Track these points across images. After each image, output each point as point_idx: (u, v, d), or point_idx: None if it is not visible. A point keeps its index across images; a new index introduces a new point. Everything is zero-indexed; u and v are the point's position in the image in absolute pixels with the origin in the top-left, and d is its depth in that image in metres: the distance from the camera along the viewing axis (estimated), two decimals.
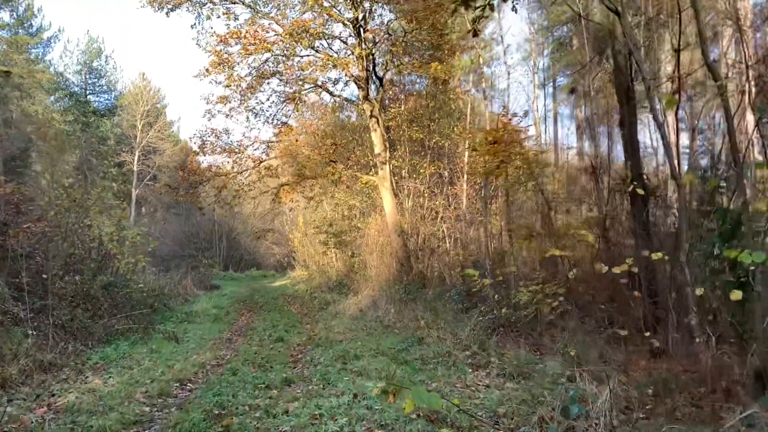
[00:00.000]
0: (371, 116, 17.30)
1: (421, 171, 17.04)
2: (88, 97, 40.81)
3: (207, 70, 15.90)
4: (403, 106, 19.46)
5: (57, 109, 38.36)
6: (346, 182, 20.25)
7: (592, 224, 10.71)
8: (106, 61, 41.72)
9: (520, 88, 28.02)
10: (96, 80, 41.26)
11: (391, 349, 8.97)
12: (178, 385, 7.18)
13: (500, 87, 23.10)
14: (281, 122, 18.66)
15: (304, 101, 19.87)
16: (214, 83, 16.67)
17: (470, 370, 7.35)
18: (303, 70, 14.79)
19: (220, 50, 15.51)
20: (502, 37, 18.52)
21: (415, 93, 21.37)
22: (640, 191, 8.99)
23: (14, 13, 34.45)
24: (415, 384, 6.67)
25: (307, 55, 15.33)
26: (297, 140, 18.14)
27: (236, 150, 17.22)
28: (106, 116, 41.70)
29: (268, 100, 18.30)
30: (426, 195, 17.13)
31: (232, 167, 17.39)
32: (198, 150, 17.04)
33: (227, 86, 16.00)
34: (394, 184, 17.73)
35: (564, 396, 4.93)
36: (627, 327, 7.21)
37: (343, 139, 18.74)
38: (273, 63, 17.29)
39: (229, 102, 17.03)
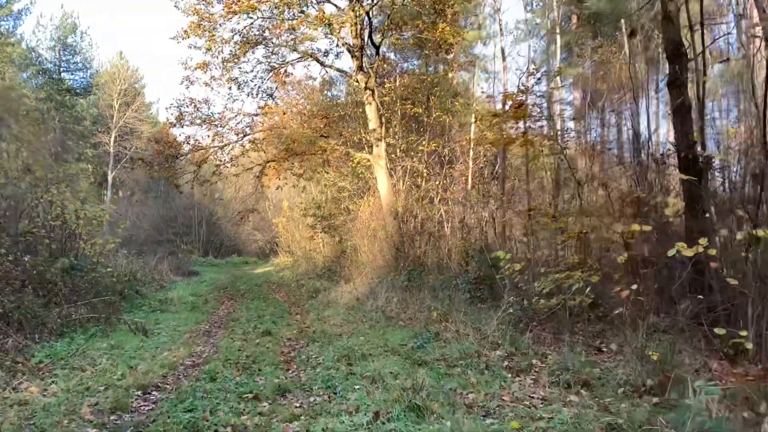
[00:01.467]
0: (366, 88, 15.59)
1: (420, 149, 15.42)
2: (62, 74, 38.39)
3: (185, 32, 14.08)
4: (398, 81, 17.85)
5: (29, 86, 35.96)
6: (336, 162, 18.59)
7: (627, 202, 9.24)
8: (81, 38, 39.27)
9: (514, 70, 26.29)
10: (70, 57, 38.76)
11: (403, 345, 7.38)
12: (139, 394, 5.50)
13: (495, 69, 21.49)
14: (267, 94, 16.91)
15: (290, 76, 18.11)
16: (193, 48, 14.88)
17: (510, 376, 5.78)
18: (294, 29, 13.00)
19: (201, 9, 13.68)
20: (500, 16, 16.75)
21: (409, 71, 19.75)
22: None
23: None
24: (445, 394, 5.10)
25: (300, 14, 13.50)
26: (284, 113, 16.38)
27: (217, 122, 15.42)
28: (82, 95, 39.35)
29: (252, 71, 16.56)
30: (425, 175, 15.54)
31: (213, 140, 15.59)
32: (175, 121, 15.18)
33: (208, 49, 14.20)
34: (389, 164, 16.10)
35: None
36: (707, 322, 5.70)
37: (334, 113, 17.01)
38: (258, 30, 15.54)
39: (210, 69, 15.24)
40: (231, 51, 15.47)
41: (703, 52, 7.69)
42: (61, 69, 38.38)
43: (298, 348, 7.95)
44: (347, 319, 9.82)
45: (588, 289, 7.41)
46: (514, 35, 24.32)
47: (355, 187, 18.46)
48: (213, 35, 13.79)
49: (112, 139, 38.87)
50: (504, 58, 18.25)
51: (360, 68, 15.63)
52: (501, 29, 19.29)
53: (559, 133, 9.78)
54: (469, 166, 13.98)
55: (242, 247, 40.18)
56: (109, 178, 38.86)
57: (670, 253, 5.50)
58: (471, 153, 13.99)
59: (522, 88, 9.70)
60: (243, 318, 10.69)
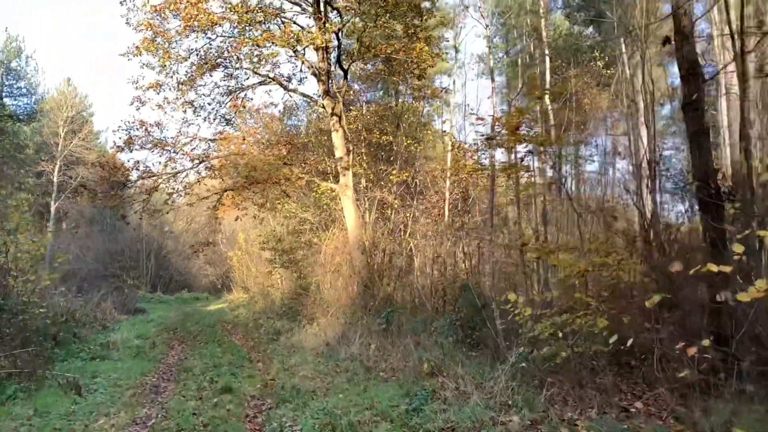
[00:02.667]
0: (332, 114, 14.45)
1: (390, 178, 14.28)
2: (5, 99, 36.03)
3: (137, 48, 12.68)
4: (363, 109, 16.81)
5: None
6: (297, 193, 17.28)
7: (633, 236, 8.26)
8: (26, 62, 37.09)
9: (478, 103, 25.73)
10: (14, 82, 36.49)
11: (394, 407, 6.07)
12: None
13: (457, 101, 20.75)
14: (224, 119, 15.55)
15: (249, 102, 16.83)
16: (146, 67, 13.47)
17: None
18: (258, 45, 11.73)
19: (155, 24, 12.32)
20: (456, 48, 15.88)
21: (374, 101, 18.79)
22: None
23: None
24: None
25: (265, 29, 12.26)
26: (244, 139, 15.04)
27: (170, 146, 13.93)
28: (25, 122, 36.96)
29: (209, 94, 15.23)
30: (395, 207, 14.38)
31: (165, 166, 14.04)
32: (123, 145, 13.60)
33: (162, 67, 12.81)
34: (355, 194, 14.91)
35: None
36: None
37: (298, 140, 15.77)
38: (217, 51, 14.29)
39: (163, 90, 13.83)
40: (187, 72, 14.16)
41: (743, 64, 6.78)
42: (4, 94, 36.03)
43: (265, 410, 6.54)
44: (319, 370, 8.44)
45: (605, 334, 6.32)
46: (477, 68, 23.79)
47: (317, 219, 17.14)
48: (168, 52, 12.41)
49: (57, 168, 36.48)
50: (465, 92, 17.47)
51: (326, 93, 14.50)
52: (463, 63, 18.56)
53: (554, 160, 8.72)
54: (446, 197, 12.87)
55: (193, 282, 38.04)
56: (52, 209, 36.35)
57: (744, 297, 4.41)
58: (447, 183, 12.89)
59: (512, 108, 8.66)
60: (197, 368, 9.14)
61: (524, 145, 8.75)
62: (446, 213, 12.85)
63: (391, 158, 15.54)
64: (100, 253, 34.03)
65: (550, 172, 10.01)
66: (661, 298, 5.96)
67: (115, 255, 33.87)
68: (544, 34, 18.49)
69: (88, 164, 36.67)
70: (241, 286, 24.72)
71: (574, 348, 6.64)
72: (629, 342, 6.00)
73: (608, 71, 14.69)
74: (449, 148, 13.62)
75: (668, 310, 6.53)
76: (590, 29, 22.65)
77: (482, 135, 10.82)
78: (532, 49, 22.31)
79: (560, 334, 6.80)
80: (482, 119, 9.72)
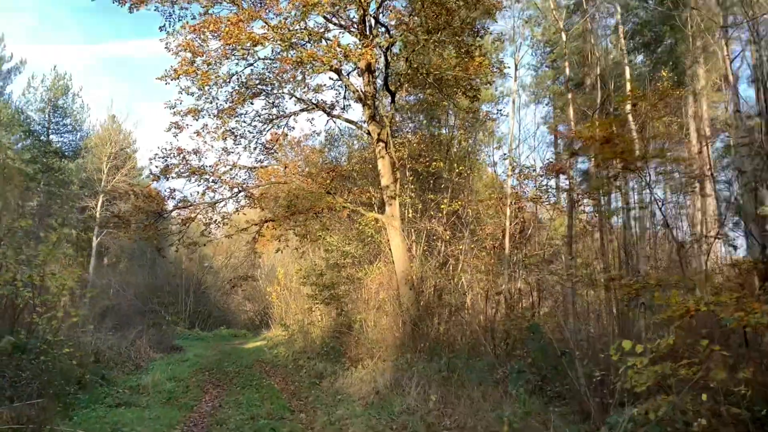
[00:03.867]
0: (378, 140, 13.41)
1: (443, 207, 13.07)
2: (51, 137, 36.26)
3: (176, 71, 11.89)
4: (410, 135, 15.75)
5: (12, 145, 33.71)
6: (339, 225, 16.19)
7: None
8: (72, 100, 37.39)
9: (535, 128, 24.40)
10: (60, 119, 36.75)
11: None
12: None
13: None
14: (265, 148, 14.65)
15: (288, 134, 15.88)
16: (184, 93, 12.68)
17: None
18: (302, 62, 10.76)
19: (194, 44, 11.51)
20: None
21: (418, 132, 17.73)
22: None
23: None
24: None
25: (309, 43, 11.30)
26: (286, 166, 14.06)
27: (209, 175, 13.01)
28: (70, 158, 37.10)
29: (250, 123, 14.40)
30: (446, 238, 13.14)
31: (203, 194, 13.10)
32: (159, 174, 12.76)
33: (200, 88, 11.97)
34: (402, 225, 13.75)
35: None
36: None
37: (342, 168, 14.75)
38: (258, 77, 13.50)
39: (202, 116, 13.00)
40: (227, 99, 13.35)
41: None
42: (50, 131, 36.29)
43: None
44: (371, 426, 7.15)
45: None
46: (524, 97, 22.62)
47: (360, 252, 15.95)
48: (207, 74, 11.56)
49: (99, 203, 36.30)
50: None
51: (372, 118, 13.51)
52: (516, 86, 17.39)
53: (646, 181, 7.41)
54: (505, 227, 11.54)
55: (231, 318, 37.04)
56: (94, 244, 36.02)
57: None
58: (508, 211, 11.57)
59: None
60: (231, 420, 7.92)
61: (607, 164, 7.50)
62: (507, 244, 11.50)
63: (441, 187, 14.37)
64: (139, 289, 33.42)
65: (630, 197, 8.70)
66: None
67: (155, 291, 33.19)
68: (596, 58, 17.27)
69: (130, 199, 36.54)
70: (280, 323, 23.57)
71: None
72: None
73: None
74: (510, 172, 12.39)
75: None
76: (640, 57, 21.33)
77: (552, 155, 9.55)
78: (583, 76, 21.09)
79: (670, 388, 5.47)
80: (560, 132, 8.44)
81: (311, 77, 12.82)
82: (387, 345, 12.87)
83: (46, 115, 36.08)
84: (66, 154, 37.00)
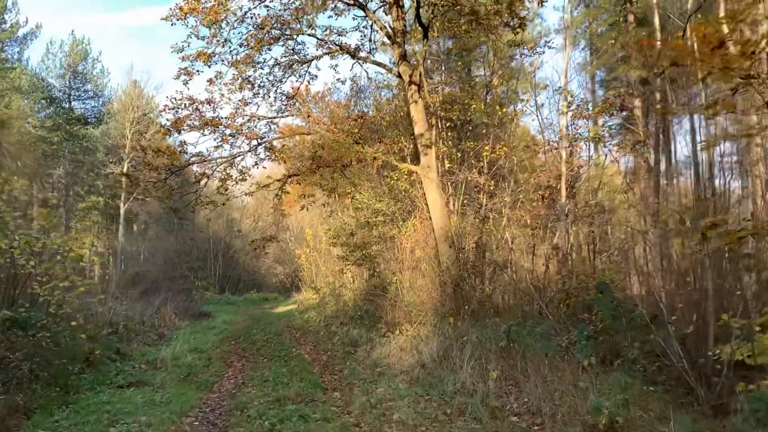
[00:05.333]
0: (410, 83, 11.84)
1: (485, 154, 11.52)
2: (73, 103, 35.19)
3: (181, 8, 10.42)
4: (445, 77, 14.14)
5: (33, 114, 32.79)
6: (369, 180, 14.73)
7: None
8: (92, 65, 36.17)
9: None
10: (81, 85, 35.61)
11: None
12: None
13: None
14: (286, 98, 13.16)
15: (311, 91, 14.35)
16: (193, 36, 11.23)
17: None
18: None
19: None
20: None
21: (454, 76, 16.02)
22: None
23: None
24: None
25: None
26: (309, 116, 12.58)
27: (225, 127, 11.59)
28: (93, 125, 36.12)
29: (269, 73, 12.91)
30: (489, 189, 11.63)
31: (218, 147, 11.72)
32: (171, 127, 11.38)
33: (209, 25, 10.48)
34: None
35: None
36: None
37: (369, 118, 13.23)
38: (275, 19, 11.96)
39: (214, 62, 11.54)
40: (242, 43, 11.85)
41: None
42: (71, 97, 35.21)
43: None
44: (420, 411, 5.82)
45: None
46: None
47: (393, 209, 14.51)
48: (215, 9, 10.06)
49: (125, 169, 35.38)
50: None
51: (403, 58, 11.93)
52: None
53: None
54: (563, 171, 9.91)
55: (262, 281, 36.18)
56: (122, 211, 35.23)
57: None
58: (564, 154, 9.91)
59: None
60: (254, 403, 6.65)
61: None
62: (563, 192, 9.92)
63: (481, 133, 12.79)
64: (168, 254, 32.71)
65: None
66: None
67: (183, 256, 32.38)
68: None
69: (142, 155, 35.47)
70: (310, 286, 22.42)
71: None
72: None
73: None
74: (565, 109, 10.70)
75: None
76: None
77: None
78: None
79: None
80: (643, 42, 6.77)
81: (334, 16, 11.23)
82: (426, 308, 11.58)
83: (67, 81, 34.98)
84: (89, 120, 36.01)
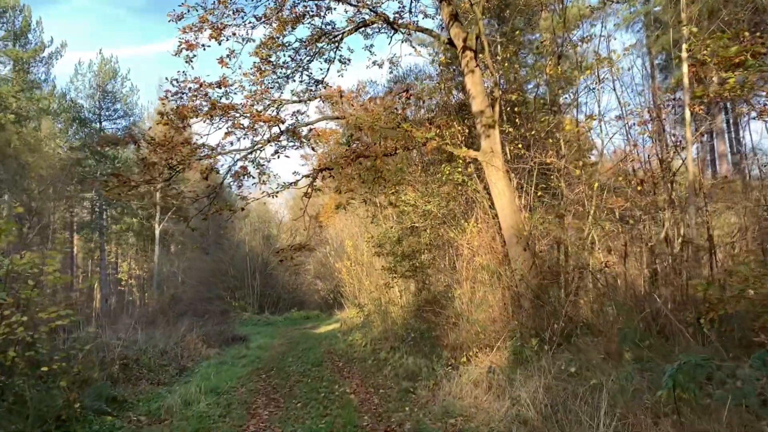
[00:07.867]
0: (464, 48, 9.40)
1: (567, 128, 8.95)
2: (103, 123, 33.83)
3: None
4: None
5: (60, 135, 31.51)
6: (415, 179, 12.26)
7: None
8: (121, 84, 34.82)
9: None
10: (110, 104, 34.24)
11: None
12: None
13: None
14: (314, 81, 10.83)
15: (346, 63, 11.96)
16: (199, 6, 9.03)
17: None
18: None
19: None
20: None
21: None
22: None
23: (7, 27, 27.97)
24: None
25: None
26: (341, 96, 10.20)
27: (240, 114, 9.26)
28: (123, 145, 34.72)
29: (293, 58, 10.62)
30: (577, 174, 9.02)
31: (228, 134, 9.38)
32: (173, 115, 9.12)
33: None
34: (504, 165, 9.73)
35: None
36: None
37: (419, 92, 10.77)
38: None
39: (225, 37, 9.29)
40: (256, 14, 9.59)
41: None
42: (102, 117, 33.88)
43: None
44: None
45: None
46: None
47: (444, 211, 11.94)
48: None
49: (158, 187, 33.78)
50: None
51: (454, 17, 9.49)
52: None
53: None
54: (688, 137, 7.16)
55: (303, 298, 33.88)
56: (156, 232, 33.59)
57: None
58: (687, 114, 7.16)
59: None
60: None
61: None
62: (690, 167, 7.15)
63: (553, 110, 10.22)
64: (204, 274, 30.78)
65: None
66: None
67: (219, 275, 30.38)
68: None
69: (188, 182, 33.86)
70: (353, 303, 19.98)
71: None
72: None
73: None
74: (685, 53, 8.00)
75: None
76: None
77: None
78: None
79: None
80: None
81: None
82: (497, 328, 9.06)
83: (96, 102, 33.67)
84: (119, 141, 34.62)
